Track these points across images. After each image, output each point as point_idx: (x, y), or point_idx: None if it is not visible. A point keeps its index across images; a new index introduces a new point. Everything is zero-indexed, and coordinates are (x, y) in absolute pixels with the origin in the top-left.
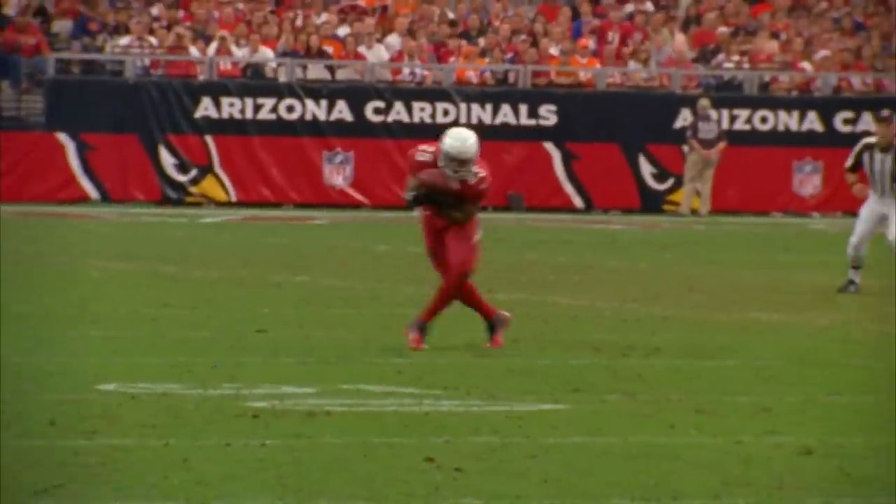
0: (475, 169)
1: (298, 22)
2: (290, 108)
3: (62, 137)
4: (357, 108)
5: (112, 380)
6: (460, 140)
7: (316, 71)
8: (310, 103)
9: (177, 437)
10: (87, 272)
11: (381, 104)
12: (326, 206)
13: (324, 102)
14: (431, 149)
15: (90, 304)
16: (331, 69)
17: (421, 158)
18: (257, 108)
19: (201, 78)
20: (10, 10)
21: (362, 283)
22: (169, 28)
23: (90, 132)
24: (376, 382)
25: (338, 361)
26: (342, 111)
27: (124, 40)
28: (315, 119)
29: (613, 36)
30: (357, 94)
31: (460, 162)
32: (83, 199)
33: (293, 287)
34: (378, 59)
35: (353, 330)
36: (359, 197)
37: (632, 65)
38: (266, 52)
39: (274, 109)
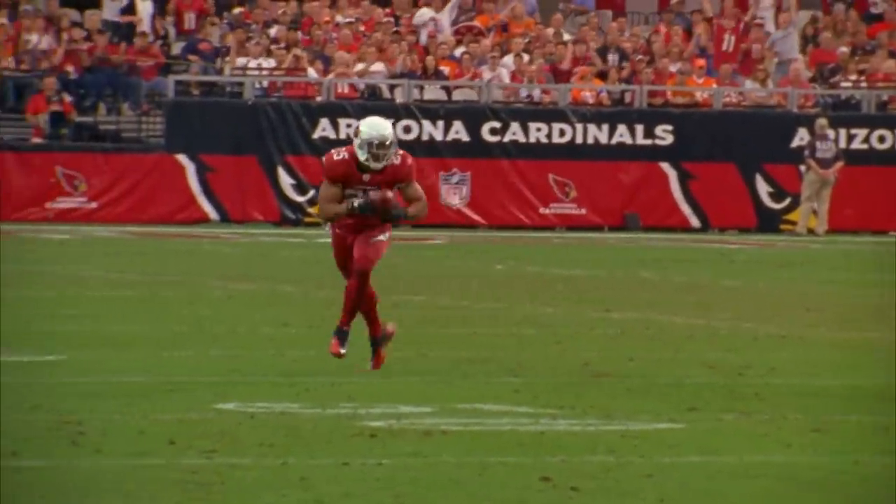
0: (397, 151)
1: (422, 39)
2: (407, 129)
3: (182, 159)
4: (473, 129)
5: (231, 399)
6: (375, 126)
7: (432, 92)
8: (426, 124)
9: (295, 456)
10: (207, 292)
11: (497, 124)
12: (443, 226)
13: (440, 123)
14: (344, 149)
15: (209, 324)
16: (447, 90)
17: (338, 157)
18: None
19: (319, 99)
20: (143, 27)
21: (479, 302)
22: (287, 49)
23: (209, 153)
24: (493, 401)
25: (454, 381)
26: (459, 132)
27: (242, 61)
28: (432, 139)
29: (729, 41)
30: (473, 115)
31: (382, 146)
32: (202, 219)
33: (410, 307)
34: (498, 79)
35: (469, 349)
36: (475, 217)
37: (748, 84)
38: (382, 73)
39: None
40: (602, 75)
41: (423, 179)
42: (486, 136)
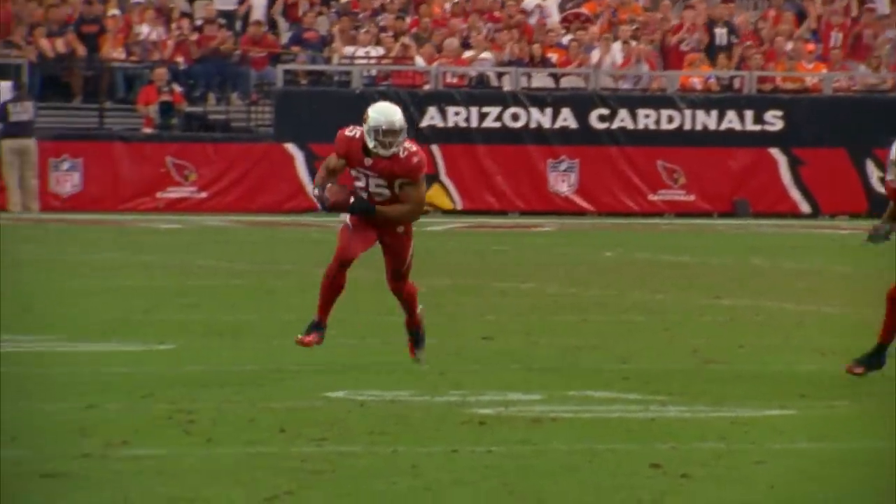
0: (406, 144)
1: (533, 21)
2: (515, 117)
3: (291, 148)
4: (581, 116)
5: (341, 387)
6: (384, 112)
7: (540, 79)
8: (534, 111)
9: (404, 444)
10: (316, 281)
11: (605, 111)
12: (551, 213)
13: (548, 110)
14: (359, 129)
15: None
16: (555, 77)
17: (350, 133)
18: (482, 116)
19: (427, 87)
20: (256, 16)
21: (588, 289)
22: (395, 38)
23: (318, 142)
24: (602, 389)
25: (564, 368)
26: (567, 119)
27: (350, 50)
28: (540, 127)
29: (836, 37)
30: (581, 102)
31: (390, 133)
32: (311, 208)
33: (519, 294)
34: (607, 64)
35: (578, 336)
36: (584, 204)
37: (861, 69)
38: (489, 61)
39: (499, 118)
40: (710, 59)
41: (532, 167)
42: (595, 123)
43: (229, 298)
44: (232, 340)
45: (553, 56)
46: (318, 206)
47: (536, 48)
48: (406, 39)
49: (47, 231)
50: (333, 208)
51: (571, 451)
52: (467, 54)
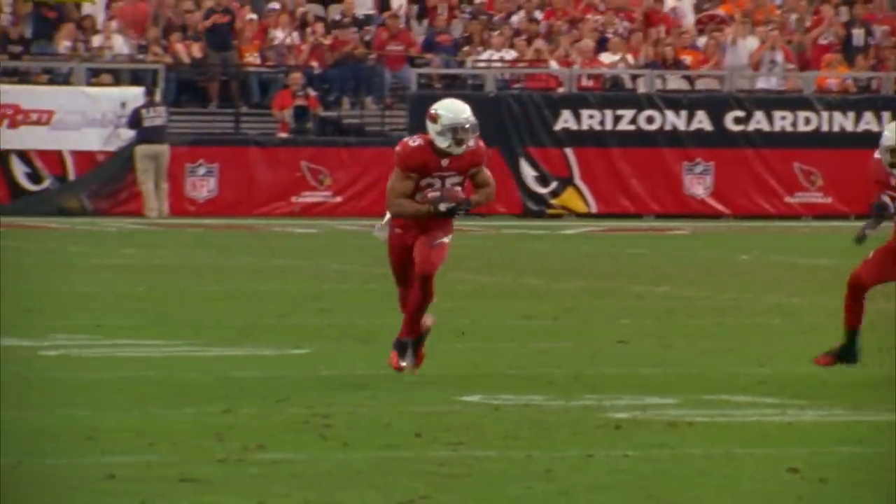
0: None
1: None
2: (650, 119)
3: None
4: (717, 118)
5: (476, 391)
6: (457, 110)
7: (675, 81)
8: (669, 114)
9: (539, 449)
10: (451, 286)
11: (741, 113)
12: (687, 216)
13: (683, 113)
14: (418, 136)
15: (453, 317)
16: (689, 79)
17: (415, 144)
18: (617, 119)
19: (561, 90)
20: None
21: (724, 292)
22: (529, 41)
23: None
24: (739, 393)
25: (700, 372)
26: (702, 121)
27: (484, 53)
28: (675, 129)
29: None
30: (716, 104)
31: (463, 130)
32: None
33: (654, 298)
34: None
35: (714, 340)
36: (719, 207)
37: None
38: (624, 63)
39: (633, 121)
40: (848, 61)
41: (667, 169)
42: (730, 125)
43: (364, 303)
44: (367, 345)
45: (687, 58)
46: (437, 213)
47: (669, 51)
48: (540, 42)
49: (183, 236)
50: (453, 209)
51: (708, 456)
52: (603, 57)
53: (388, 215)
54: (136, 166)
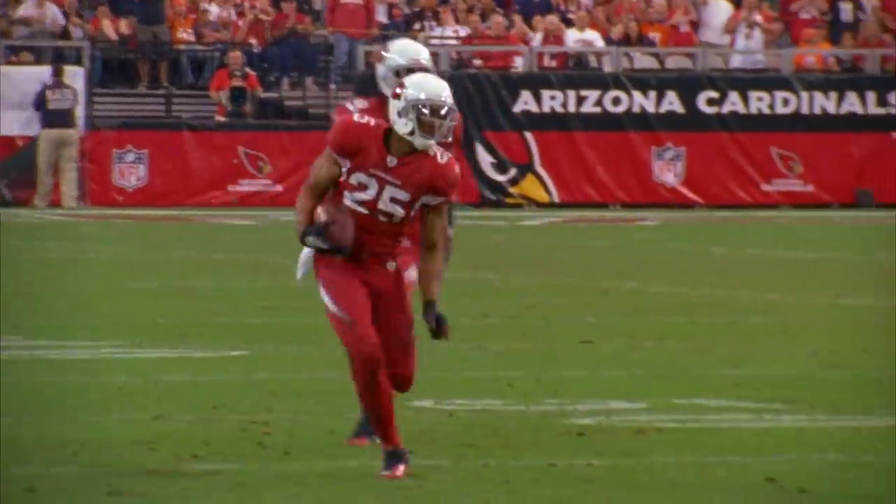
0: (438, 149)
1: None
2: (616, 101)
3: None
4: (688, 99)
5: (428, 396)
6: (427, 86)
7: (643, 60)
8: (637, 95)
9: (497, 457)
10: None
11: (714, 94)
12: (656, 205)
13: (652, 94)
14: (366, 115)
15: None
16: (659, 57)
17: (362, 119)
18: (580, 101)
19: (521, 69)
20: None
21: (696, 288)
22: (483, 16)
23: None
24: (712, 396)
25: (670, 374)
26: (672, 102)
27: (439, 30)
28: (643, 112)
29: None
30: (688, 84)
31: (438, 113)
32: None
33: (621, 294)
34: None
35: (686, 340)
36: (691, 195)
37: None
38: (592, 42)
39: (598, 102)
40: (833, 38)
41: (635, 155)
42: (703, 106)
43: (307, 301)
44: (310, 346)
45: (655, 35)
46: (308, 244)
47: (634, 27)
48: (498, 17)
49: (110, 228)
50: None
51: (679, 465)
52: (569, 34)
53: (305, 249)
54: (37, 151)
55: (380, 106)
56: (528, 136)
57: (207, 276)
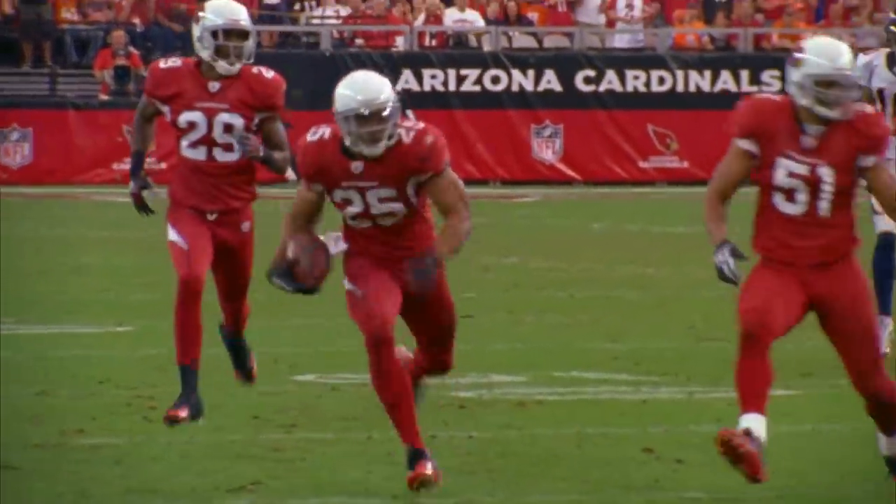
0: (406, 124)
1: None
2: (496, 80)
3: None
4: (566, 78)
5: (310, 370)
6: (358, 86)
7: (521, 39)
8: (516, 73)
9: (380, 430)
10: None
11: (591, 73)
12: (535, 182)
13: (531, 72)
14: (326, 126)
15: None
16: (537, 37)
17: (314, 138)
18: (460, 79)
19: (402, 48)
20: None
21: (575, 263)
22: None
23: (285, 109)
24: (591, 369)
25: (550, 348)
26: (550, 81)
27: (319, 10)
28: (522, 90)
29: None
30: (566, 63)
31: (374, 117)
32: (281, 180)
33: (501, 269)
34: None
35: (565, 314)
36: (570, 172)
37: (865, 27)
38: (471, 21)
39: (478, 81)
40: (707, 17)
41: (514, 133)
42: (580, 85)
43: None
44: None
45: (534, 14)
46: (274, 285)
47: (513, 6)
48: None
49: None
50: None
51: (558, 436)
52: (449, 14)
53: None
54: None
55: (195, 67)
56: (410, 114)
57: (92, 253)
